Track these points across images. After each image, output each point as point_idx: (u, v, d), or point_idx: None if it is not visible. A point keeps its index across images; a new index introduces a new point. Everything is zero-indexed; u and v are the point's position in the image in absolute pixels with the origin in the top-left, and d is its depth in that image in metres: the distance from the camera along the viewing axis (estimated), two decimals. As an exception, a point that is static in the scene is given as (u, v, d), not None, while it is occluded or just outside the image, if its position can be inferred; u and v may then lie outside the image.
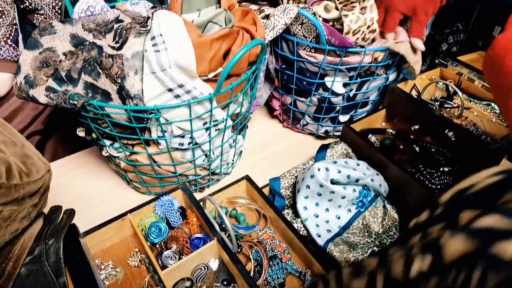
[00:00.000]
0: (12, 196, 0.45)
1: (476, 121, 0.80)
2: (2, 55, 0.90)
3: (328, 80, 0.82)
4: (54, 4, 0.94)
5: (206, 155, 0.75)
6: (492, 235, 0.18)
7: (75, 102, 0.60)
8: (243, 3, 0.84)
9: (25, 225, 0.50)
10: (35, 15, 0.97)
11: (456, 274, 0.17)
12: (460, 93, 0.72)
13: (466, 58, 0.92)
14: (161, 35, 0.61)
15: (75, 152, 0.95)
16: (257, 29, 0.69)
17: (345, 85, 0.84)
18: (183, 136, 0.67)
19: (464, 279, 0.17)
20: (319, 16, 0.75)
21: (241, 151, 0.91)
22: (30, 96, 0.63)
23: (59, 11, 0.96)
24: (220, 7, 0.70)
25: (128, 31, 0.62)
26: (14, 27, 0.91)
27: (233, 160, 0.87)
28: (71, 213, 0.57)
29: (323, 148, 0.83)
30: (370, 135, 0.84)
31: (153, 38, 0.61)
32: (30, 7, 0.94)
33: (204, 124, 0.68)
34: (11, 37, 0.91)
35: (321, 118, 0.91)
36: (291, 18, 0.72)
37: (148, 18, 0.64)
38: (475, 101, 0.83)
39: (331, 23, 0.75)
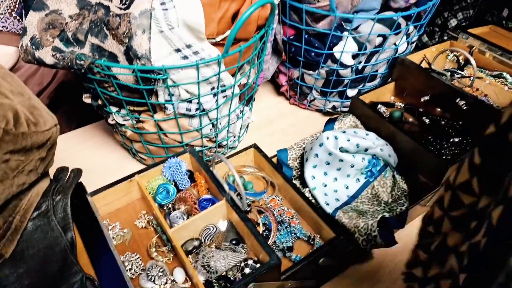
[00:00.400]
0: (19, 145, 0.44)
1: (488, 91, 0.79)
2: (7, 28, 0.89)
3: (337, 51, 0.81)
4: None
5: (213, 125, 0.74)
6: None
7: (82, 62, 0.59)
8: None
9: (32, 180, 0.49)
10: None
11: None
12: (472, 60, 0.70)
13: (477, 31, 0.90)
14: (169, -6, 0.60)
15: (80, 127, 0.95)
16: (266, -7, 0.68)
17: (354, 56, 0.83)
18: (190, 101, 0.66)
19: None
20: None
21: (247, 125, 0.90)
22: (36, 58, 0.62)
23: None
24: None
25: (136, -8, 0.61)
26: None
27: (239, 133, 0.86)
28: (78, 172, 0.56)
29: (331, 121, 0.82)
30: (379, 106, 0.83)
31: (161, -3, 0.60)
32: None
33: (211, 89, 0.67)
34: (15, 9, 0.90)
35: (328, 92, 0.90)
36: (300, -17, 0.71)
37: (156, -22, 0.63)
38: (487, 71, 0.82)
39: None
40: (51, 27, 0.63)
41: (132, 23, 0.58)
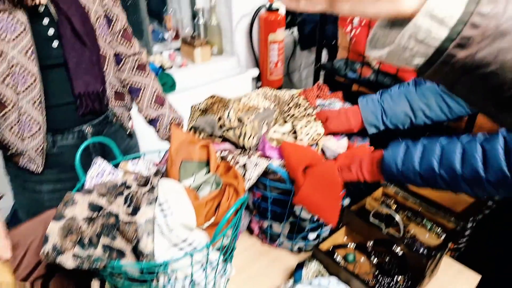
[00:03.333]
0: None
1: (417, 233, 1.01)
2: None
3: (296, 209, 1.02)
4: (38, 147, 1.10)
5: (202, 288, 0.88)
6: None
7: (98, 264, 0.74)
8: (222, 149, 1.05)
9: None
10: (21, 157, 1.12)
11: None
12: (397, 216, 0.93)
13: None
14: (167, 201, 0.78)
15: (77, 290, 1.04)
16: (239, 183, 0.88)
17: (310, 211, 1.03)
18: (185, 278, 0.81)
19: None
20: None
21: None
22: (57, 262, 0.76)
23: (41, 153, 1.12)
24: (209, 168, 0.90)
25: (139, 198, 0.79)
26: None
27: (224, 285, 1.00)
28: None
29: (299, 267, 1.00)
30: (336, 254, 1.01)
31: (160, 204, 0.78)
32: (15, 152, 1.09)
33: (201, 265, 0.82)
34: None
35: (294, 237, 1.09)
36: (262, 169, 0.93)
37: (153, 187, 0.82)
38: (413, 218, 1.05)
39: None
40: (69, 233, 0.78)
41: (139, 229, 0.75)
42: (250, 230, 1.23)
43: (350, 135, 1.09)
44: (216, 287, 0.94)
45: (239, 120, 1.04)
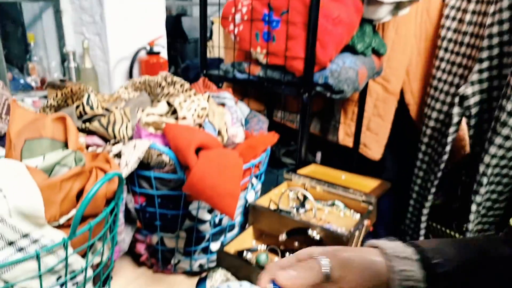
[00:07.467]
0: None
1: (329, 219, 0.90)
2: None
3: (193, 208, 0.83)
4: None
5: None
6: None
7: None
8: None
9: None
10: None
11: None
12: (309, 194, 0.81)
13: (305, 171, 1.08)
14: (-5, 183, 0.53)
15: None
16: (111, 166, 0.67)
17: (210, 211, 0.85)
18: (29, 301, 0.54)
19: None
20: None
21: (107, 312, 0.76)
22: None
23: None
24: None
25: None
26: None
27: (98, 325, 0.71)
28: None
29: (202, 281, 0.78)
30: (245, 253, 0.84)
31: (-16, 187, 0.52)
32: None
33: (58, 279, 0.56)
34: None
35: (192, 251, 0.88)
36: (143, 151, 0.74)
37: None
38: (323, 202, 0.96)
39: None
40: None
41: None
42: (136, 256, 0.97)
43: (246, 120, 0.98)
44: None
45: (106, 110, 0.84)
